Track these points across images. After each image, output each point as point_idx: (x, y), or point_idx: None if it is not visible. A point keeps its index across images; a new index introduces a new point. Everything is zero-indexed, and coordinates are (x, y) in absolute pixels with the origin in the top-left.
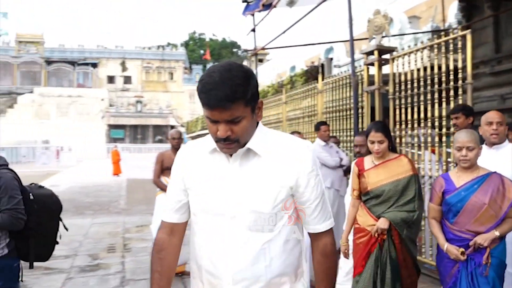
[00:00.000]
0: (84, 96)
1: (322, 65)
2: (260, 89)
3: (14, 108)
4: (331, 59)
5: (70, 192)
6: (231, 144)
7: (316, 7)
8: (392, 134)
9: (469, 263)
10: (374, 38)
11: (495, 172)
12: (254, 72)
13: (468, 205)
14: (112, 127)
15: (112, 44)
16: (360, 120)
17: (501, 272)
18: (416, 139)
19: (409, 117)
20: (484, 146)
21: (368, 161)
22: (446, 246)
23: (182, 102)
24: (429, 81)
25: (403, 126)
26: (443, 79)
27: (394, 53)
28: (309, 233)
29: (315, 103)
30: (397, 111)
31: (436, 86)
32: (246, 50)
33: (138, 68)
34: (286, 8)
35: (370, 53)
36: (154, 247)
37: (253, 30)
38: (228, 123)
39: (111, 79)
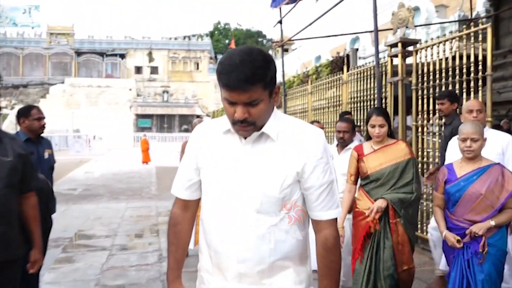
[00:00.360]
0: (112, 86)
1: (348, 56)
2: (286, 79)
3: (46, 98)
4: (357, 49)
5: (104, 179)
6: (248, 126)
7: (341, 1)
8: (414, 123)
9: (465, 251)
10: (398, 30)
11: (498, 163)
12: (280, 62)
13: (466, 195)
14: (139, 116)
15: (139, 35)
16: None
17: (498, 261)
18: (437, 128)
19: (431, 107)
20: None
21: (367, 147)
22: (444, 233)
23: (208, 92)
24: (450, 72)
25: (425, 115)
26: (464, 70)
27: (417, 45)
28: (312, 223)
29: (340, 94)
30: (420, 101)
31: (457, 77)
32: (272, 41)
33: (164, 58)
34: (311, 1)
35: (394, 45)
36: (169, 222)
37: (280, 22)
38: (246, 105)
39: (138, 70)
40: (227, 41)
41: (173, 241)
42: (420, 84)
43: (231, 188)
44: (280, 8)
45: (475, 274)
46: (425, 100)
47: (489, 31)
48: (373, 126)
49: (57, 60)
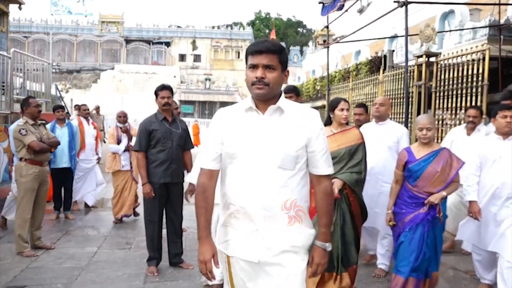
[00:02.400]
0: (158, 73)
1: (385, 56)
2: (330, 71)
3: (97, 83)
4: (393, 51)
5: None
6: (264, 85)
7: (383, 15)
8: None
9: (422, 220)
10: (424, 44)
11: (445, 148)
12: (320, 54)
13: (425, 173)
14: (182, 102)
15: (184, 23)
16: (410, 107)
17: (444, 223)
18: (450, 122)
19: (445, 105)
20: (373, 122)
21: (327, 130)
22: (389, 211)
23: None
24: (460, 80)
25: (442, 111)
26: (469, 79)
27: (439, 58)
28: (313, 178)
29: (376, 91)
30: (438, 101)
31: (464, 84)
32: (311, 32)
33: (207, 47)
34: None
35: (420, 56)
36: (198, 190)
37: (327, 27)
38: (265, 68)
39: (182, 57)
40: (267, 31)
41: (203, 205)
42: (438, 88)
43: (257, 151)
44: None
45: (427, 233)
46: (441, 100)
47: (487, 53)
48: (342, 110)
49: (108, 47)
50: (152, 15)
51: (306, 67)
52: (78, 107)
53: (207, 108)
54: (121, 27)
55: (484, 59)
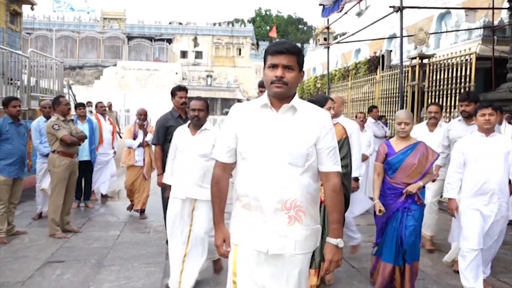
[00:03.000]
0: (160, 70)
1: (383, 56)
2: (331, 70)
3: (100, 79)
4: (391, 51)
5: None
6: (283, 84)
7: (380, 19)
8: (425, 115)
9: (401, 209)
10: (417, 47)
11: (421, 141)
12: (319, 52)
13: (403, 165)
14: None
15: (185, 20)
16: (404, 105)
17: (422, 210)
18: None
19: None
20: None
21: None
22: (376, 201)
23: (249, 77)
24: (450, 80)
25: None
26: (458, 80)
27: (431, 60)
28: (322, 176)
29: (373, 90)
30: (430, 100)
31: (454, 85)
32: (312, 28)
33: (208, 43)
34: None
35: (414, 57)
36: (213, 181)
37: (327, 28)
38: (284, 68)
39: (184, 54)
40: (268, 28)
41: (217, 195)
42: (430, 87)
43: (269, 147)
44: (328, 28)
45: (409, 222)
46: (434, 99)
47: (473, 57)
48: (329, 109)
49: (110, 44)
50: (154, 12)
51: (307, 64)
52: (89, 104)
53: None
54: (123, 24)
55: (471, 62)
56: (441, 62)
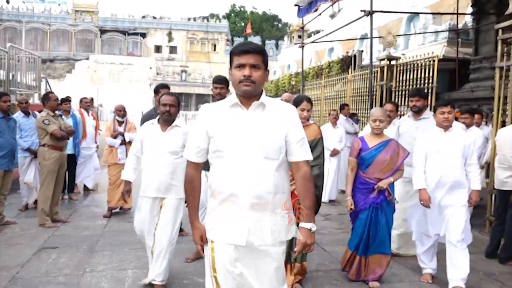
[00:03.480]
0: (133, 64)
1: (355, 56)
2: (305, 68)
3: (72, 73)
4: (362, 51)
5: None
6: (251, 83)
7: (352, 22)
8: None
9: (373, 205)
10: (385, 49)
11: (393, 139)
12: (294, 49)
13: (376, 161)
14: None
15: (159, 14)
16: (374, 103)
17: (392, 204)
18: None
19: (403, 103)
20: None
21: None
22: (349, 197)
23: (224, 73)
24: (414, 81)
25: (400, 108)
26: (422, 81)
27: (398, 61)
28: (293, 166)
29: (345, 89)
30: (397, 99)
31: (418, 85)
32: (287, 25)
33: (183, 39)
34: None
35: (383, 59)
36: (186, 179)
37: (302, 28)
38: (251, 67)
39: (158, 49)
40: (243, 24)
41: (191, 193)
42: (397, 87)
43: (244, 143)
44: (302, 29)
45: (380, 217)
46: (400, 98)
47: (436, 60)
48: (303, 110)
49: (82, 37)
50: (127, 5)
51: (281, 61)
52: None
53: (183, 100)
54: (96, 17)
55: (434, 65)
56: (407, 64)
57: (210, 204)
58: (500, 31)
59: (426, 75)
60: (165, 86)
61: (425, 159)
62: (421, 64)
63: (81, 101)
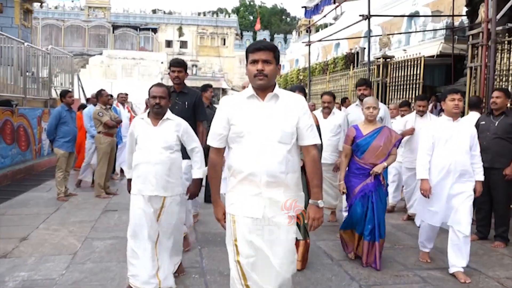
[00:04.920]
0: (145, 59)
1: (357, 53)
2: (312, 63)
3: (86, 68)
4: (364, 48)
5: None
6: (264, 77)
7: (352, 25)
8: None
9: (368, 188)
10: (382, 49)
11: (385, 126)
12: (307, 48)
13: (371, 147)
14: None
15: (171, 9)
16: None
17: (386, 192)
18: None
19: (397, 97)
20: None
21: None
22: (342, 182)
23: (233, 66)
24: (406, 78)
25: (395, 101)
26: (412, 78)
27: (392, 60)
28: (303, 150)
29: (347, 83)
30: (391, 94)
31: (408, 81)
32: (296, 20)
33: (193, 33)
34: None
35: (379, 58)
36: (210, 164)
37: (309, 28)
38: (263, 62)
39: (169, 44)
40: (252, 18)
41: (214, 176)
42: (392, 83)
43: (260, 130)
44: (309, 29)
45: (375, 200)
46: (394, 93)
47: (422, 59)
48: None
49: (95, 33)
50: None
51: (289, 55)
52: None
53: None
54: (108, 13)
55: (421, 63)
56: (399, 62)
57: (231, 182)
58: (470, 37)
59: (415, 72)
60: (181, 64)
61: (432, 148)
62: (411, 63)
63: (118, 96)
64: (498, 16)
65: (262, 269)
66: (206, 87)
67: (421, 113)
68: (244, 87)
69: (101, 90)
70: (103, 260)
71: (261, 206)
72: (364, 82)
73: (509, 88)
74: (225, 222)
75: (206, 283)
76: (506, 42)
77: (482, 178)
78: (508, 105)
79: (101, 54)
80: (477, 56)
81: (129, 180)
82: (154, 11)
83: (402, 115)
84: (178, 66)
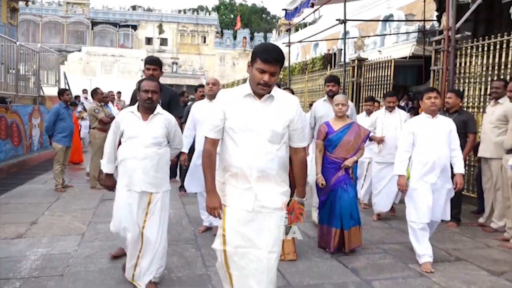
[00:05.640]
0: (125, 56)
1: (335, 54)
2: (292, 63)
3: (64, 64)
4: (341, 49)
5: None
6: (267, 87)
7: (332, 26)
8: (362, 104)
9: (339, 180)
10: (356, 52)
11: (354, 121)
12: (286, 49)
13: (342, 142)
14: None
15: (150, 6)
16: (347, 96)
17: (355, 185)
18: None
19: (369, 95)
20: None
21: None
22: (320, 175)
23: (213, 64)
24: (378, 79)
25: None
26: (383, 79)
27: (365, 62)
28: (291, 150)
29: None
30: (364, 93)
31: (379, 82)
32: (275, 18)
33: (173, 31)
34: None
35: (354, 60)
36: (204, 154)
37: (289, 29)
38: (270, 74)
39: (149, 41)
40: (232, 16)
41: (209, 165)
42: (365, 83)
43: (253, 128)
44: (289, 30)
45: (347, 193)
46: (367, 92)
47: (392, 62)
48: None
49: (74, 29)
50: None
51: None
52: (85, 91)
53: None
54: (87, 9)
55: (391, 65)
56: (372, 64)
57: (223, 176)
58: (434, 43)
59: (386, 73)
60: (156, 62)
61: (412, 146)
62: (383, 65)
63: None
64: (458, 25)
65: (251, 260)
66: (198, 87)
67: (390, 109)
68: (208, 84)
69: (96, 88)
70: (109, 239)
71: (251, 199)
72: (333, 78)
73: (467, 89)
74: (221, 210)
75: (202, 255)
76: (464, 48)
77: (462, 171)
78: (461, 104)
79: (80, 50)
80: (439, 60)
81: (108, 175)
82: (134, 8)
83: (368, 110)
84: (153, 64)
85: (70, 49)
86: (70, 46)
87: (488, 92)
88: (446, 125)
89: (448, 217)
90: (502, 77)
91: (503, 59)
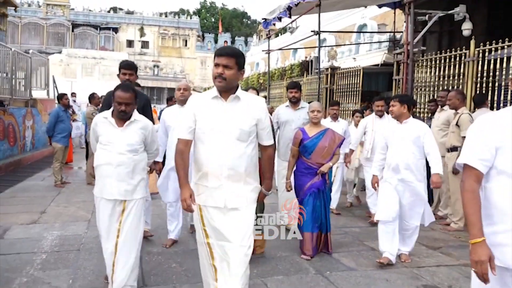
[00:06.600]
0: (106, 58)
1: (311, 61)
2: (271, 68)
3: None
4: (318, 57)
5: None
6: (222, 80)
7: (308, 37)
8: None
9: (315, 187)
10: (330, 61)
11: (329, 128)
12: (263, 47)
13: (317, 148)
14: None
15: (131, 9)
16: (320, 102)
17: (329, 191)
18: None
19: (341, 100)
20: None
21: None
22: (289, 180)
23: (194, 68)
24: (348, 86)
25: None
26: (353, 86)
27: (338, 70)
28: (261, 147)
29: (302, 89)
30: (337, 99)
31: (350, 89)
32: (256, 23)
33: (155, 34)
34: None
35: (327, 68)
36: (177, 153)
37: (268, 37)
38: (224, 67)
39: (130, 44)
40: (213, 20)
41: (181, 163)
42: (338, 89)
43: (222, 127)
44: (268, 38)
45: (322, 198)
46: (339, 98)
47: (361, 70)
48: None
49: (54, 31)
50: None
51: (250, 58)
52: (74, 95)
53: (155, 94)
54: (67, 11)
55: (360, 74)
56: (343, 72)
57: (195, 176)
58: (395, 55)
59: (356, 81)
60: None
61: (385, 148)
62: (353, 73)
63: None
64: (415, 40)
65: (226, 252)
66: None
67: (380, 113)
68: (179, 89)
69: (93, 93)
70: None
71: (223, 197)
72: (295, 85)
73: (424, 96)
74: (191, 201)
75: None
76: (420, 60)
77: (438, 171)
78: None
79: (60, 52)
80: (401, 70)
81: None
82: (114, 10)
83: (334, 114)
84: (129, 68)
85: (50, 50)
86: (50, 48)
87: None
88: (414, 131)
89: (426, 222)
90: (451, 86)
91: (451, 71)
